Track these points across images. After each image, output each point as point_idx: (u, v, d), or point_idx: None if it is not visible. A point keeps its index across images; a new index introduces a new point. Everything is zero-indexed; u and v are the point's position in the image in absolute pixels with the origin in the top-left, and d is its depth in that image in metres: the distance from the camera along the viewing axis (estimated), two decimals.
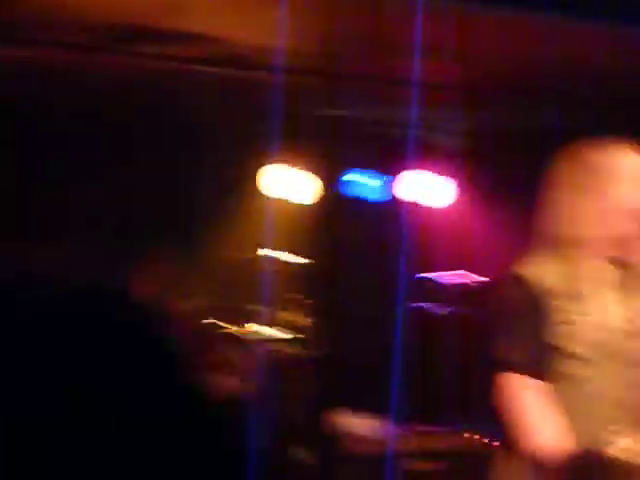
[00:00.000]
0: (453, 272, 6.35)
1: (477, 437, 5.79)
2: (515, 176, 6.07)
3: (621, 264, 3.05)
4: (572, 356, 2.96)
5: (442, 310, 6.31)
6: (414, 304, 6.37)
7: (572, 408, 2.97)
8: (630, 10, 4.32)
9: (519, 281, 3.01)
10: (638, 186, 3.01)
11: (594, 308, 2.97)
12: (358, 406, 6.01)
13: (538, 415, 2.95)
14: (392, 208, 6.54)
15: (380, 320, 6.34)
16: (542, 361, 2.98)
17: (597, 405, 2.97)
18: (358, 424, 5.98)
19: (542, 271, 2.99)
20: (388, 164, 6.51)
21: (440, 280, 6.38)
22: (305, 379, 5.79)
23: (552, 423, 2.93)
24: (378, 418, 6.00)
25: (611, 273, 3.02)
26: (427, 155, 6.47)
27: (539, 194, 3.09)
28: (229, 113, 5.95)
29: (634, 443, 2.95)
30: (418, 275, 6.37)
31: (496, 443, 3.14)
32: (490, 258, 5.90)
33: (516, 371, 2.98)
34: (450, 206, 6.59)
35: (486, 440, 5.71)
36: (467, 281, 6.18)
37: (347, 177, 6.58)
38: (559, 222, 3.03)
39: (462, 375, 5.84)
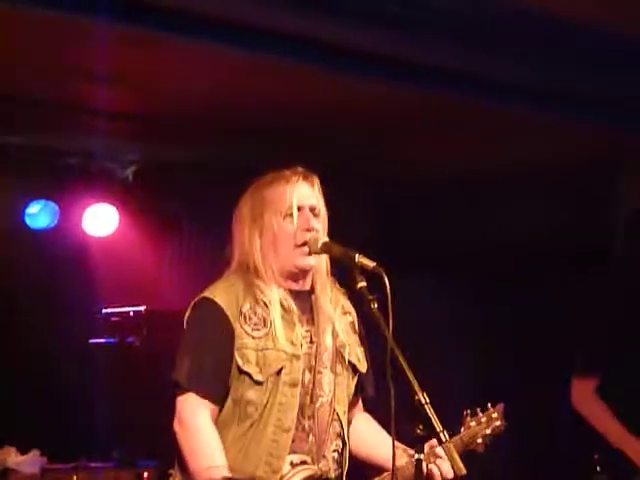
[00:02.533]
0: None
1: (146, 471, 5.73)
2: (188, 208, 6.12)
3: (297, 293, 3.13)
4: (250, 380, 2.99)
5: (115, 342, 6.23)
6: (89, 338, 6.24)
7: (249, 436, 3.00)
8: None
9: (204, 304, 3.07)
10: (301, 216, 3.10)
11: (273, 335, 3.02)
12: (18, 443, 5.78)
13: (210, 438, 2.95)
14: (63, 237, 6.36)
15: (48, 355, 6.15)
16: (219, 383, 2.99)
17: (272, 433, 2.98)
18: (19, 461, 5.75)
19: (226, 296, 3.05)
20: (58, 192, 6.32)
21: (114, 312, 6.28)
22: None
23: (220, 449, 2.94)
24: (39, 454, 5.81)
25: (289, 302, 3.09)
26: (96, 183, 6.36)
27: (229, 225, 3.19)
28: None
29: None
30: (97, 308, 6.24)
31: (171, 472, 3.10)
32: (165, 287, 5.90)
33: (191, 392, 2.98)
34: (117, 235, 6.49)
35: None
36: (141, 310, 6.13)
37: (15, 205, 6.32)
38: (241, 252, 3.14)
39: (134, 408, 5.78)
